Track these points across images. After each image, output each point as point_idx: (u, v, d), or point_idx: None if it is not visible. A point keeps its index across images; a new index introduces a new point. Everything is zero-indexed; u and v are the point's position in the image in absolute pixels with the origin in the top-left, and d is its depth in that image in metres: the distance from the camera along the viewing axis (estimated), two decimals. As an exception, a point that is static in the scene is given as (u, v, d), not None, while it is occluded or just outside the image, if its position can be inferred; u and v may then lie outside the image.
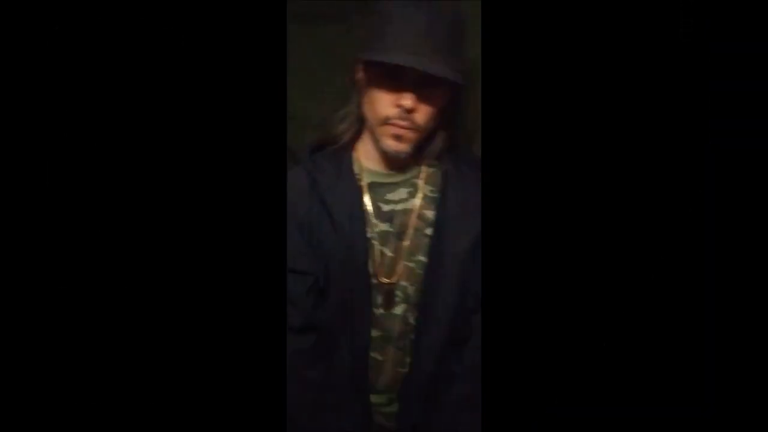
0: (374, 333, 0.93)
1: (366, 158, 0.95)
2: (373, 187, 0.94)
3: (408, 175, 0.95)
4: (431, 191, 0.95)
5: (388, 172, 0.95)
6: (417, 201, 0.94)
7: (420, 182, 0.94)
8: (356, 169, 0.95)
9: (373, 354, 0.94)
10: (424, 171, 0.95)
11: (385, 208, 0.94)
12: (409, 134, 0.89)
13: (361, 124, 0.94)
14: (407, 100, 0.86)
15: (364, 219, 0.93)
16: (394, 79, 0.86)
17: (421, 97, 0.87)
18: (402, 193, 0.94)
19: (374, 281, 0.93)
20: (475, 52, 1.06)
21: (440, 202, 0.94)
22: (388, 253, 0.93)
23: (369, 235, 0.93)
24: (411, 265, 0.93)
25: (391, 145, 0.89)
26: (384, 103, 0.88)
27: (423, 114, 0.88)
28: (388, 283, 0.93)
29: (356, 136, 0.95)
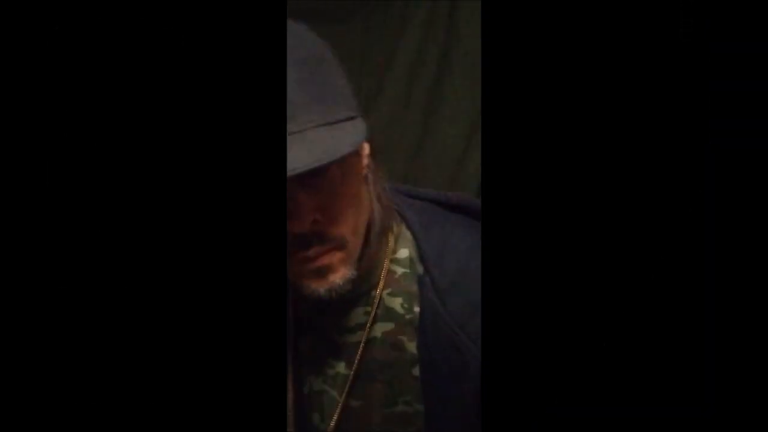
0: None
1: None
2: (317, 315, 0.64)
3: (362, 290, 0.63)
4: (402, 305, 0.61)
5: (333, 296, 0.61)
6: (384, 326, 0.62)
7: (379, 293, 0.62)
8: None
9: None
10: (383, 275, 0.61)
11: (339, 340, 0.63)
12: (337, 257, 0.58)
13: None
14: (303, 221, 0.56)
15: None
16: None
17: (321, 195, 0.56)
18: (358, 315, 0.63)
19: None
20: (475, 52, 1.06)
21: (421, 321, 0.61)
22: (354, 403, 0.63)
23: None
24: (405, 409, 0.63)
25: (318, 287, 0.59)
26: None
27: (338, 216, 0.57)
28: None
29: None
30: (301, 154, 0.53)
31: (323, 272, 0.58)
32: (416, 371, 0.62)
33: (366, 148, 0.60)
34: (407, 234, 0.63)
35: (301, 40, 0.59)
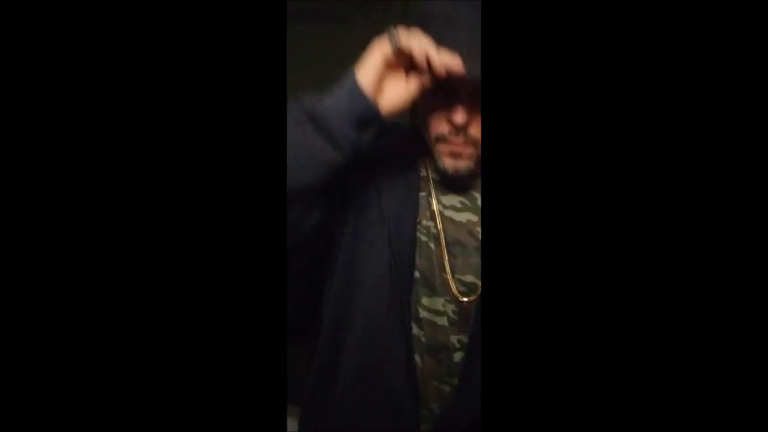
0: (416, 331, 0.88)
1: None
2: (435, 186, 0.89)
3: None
4: None
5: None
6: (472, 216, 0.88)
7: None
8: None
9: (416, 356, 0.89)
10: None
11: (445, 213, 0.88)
12: (468, 150, 0.82)
13: (421, 143, 0.87)
14: (458, 115, 0.79)
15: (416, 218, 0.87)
16: (444, 93, 0.80)
17: (475, 109, 0.80)
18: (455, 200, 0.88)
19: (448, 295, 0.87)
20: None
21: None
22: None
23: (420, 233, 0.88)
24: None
25: (448, 163, 0.83)
26: (435, 121, 0.82)
27: (479, 127, 0.81)
28: (466, 302, 0.87)
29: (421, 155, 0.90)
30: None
31: (456, 155, 0.82)
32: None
33: None
34: None
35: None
